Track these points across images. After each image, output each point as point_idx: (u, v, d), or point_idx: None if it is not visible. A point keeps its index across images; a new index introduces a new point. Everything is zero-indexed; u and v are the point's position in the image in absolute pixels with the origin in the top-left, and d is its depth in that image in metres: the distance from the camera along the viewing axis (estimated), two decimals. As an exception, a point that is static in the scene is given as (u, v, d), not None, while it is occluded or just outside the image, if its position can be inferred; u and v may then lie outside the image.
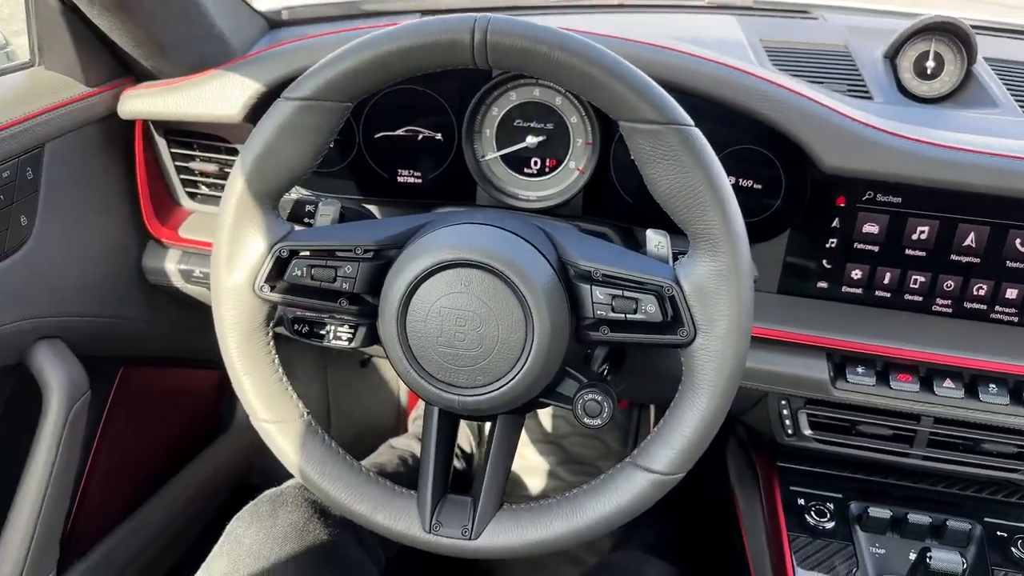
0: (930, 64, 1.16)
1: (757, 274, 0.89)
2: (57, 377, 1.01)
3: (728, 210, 0.72)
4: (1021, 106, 1.06)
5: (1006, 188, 0.88)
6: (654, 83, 0.71)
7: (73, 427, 1.04)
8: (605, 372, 0.99)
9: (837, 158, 0.89)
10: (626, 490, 0.78)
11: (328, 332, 0.98)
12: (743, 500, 1.13)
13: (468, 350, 0.75)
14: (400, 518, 0.83)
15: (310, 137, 0.77)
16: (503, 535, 0.81)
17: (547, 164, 1.03)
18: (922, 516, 0.98)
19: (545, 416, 2.14)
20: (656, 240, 0.81)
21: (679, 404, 0.76)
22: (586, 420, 0.80)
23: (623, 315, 0.76)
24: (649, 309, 0.75)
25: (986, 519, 1.00)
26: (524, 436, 2.09)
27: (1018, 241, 0.94)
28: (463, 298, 0.75)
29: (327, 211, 0.88)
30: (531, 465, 2.02)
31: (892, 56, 1.17)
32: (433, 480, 0.84)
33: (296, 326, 0.99)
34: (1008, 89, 1.09)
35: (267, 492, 1.05)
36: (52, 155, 0.99)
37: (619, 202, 1.03)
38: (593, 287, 0.77)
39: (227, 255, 0.80)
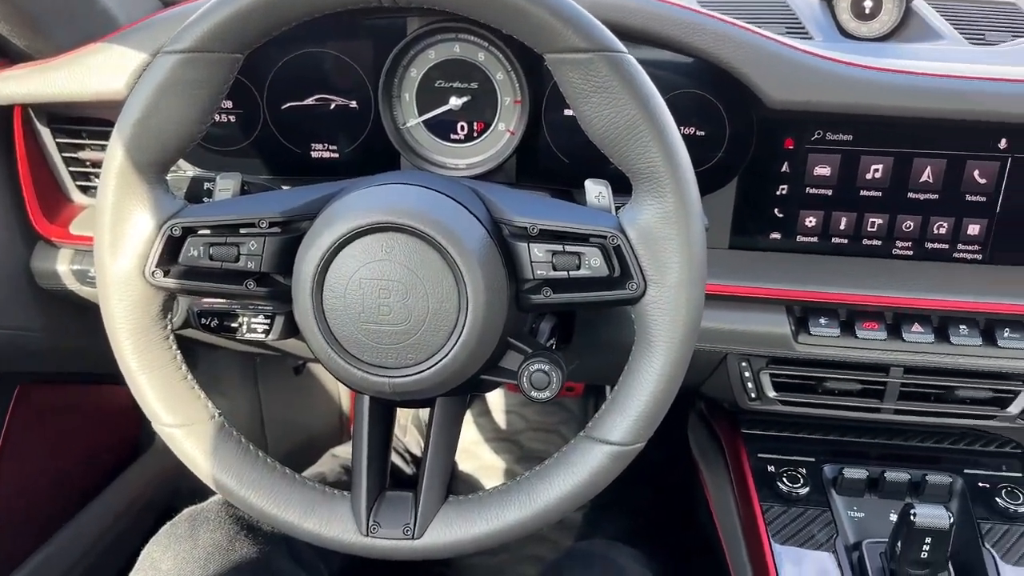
0: (868, 4, 1.11)
1: (708, 222, 0.82)
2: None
3: (670, 144, 0.64)
4: (966, 36, 1.02)
5: (962, 111, 0.82)
6: (579, 7, 0.63)
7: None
8: (552, 348, 0.91)
9: (782, 91, 0.82)
10: (582, 467, 0.70)
11: (241, 324, 0.88)
12: (709, 474, 1.06)
13: (394, 325, 0.67)
14: (333, 522, 0.73)
15: (195, 95, 0.68)
16: (450, 530, 0.72)
17: (475, 128, 0.94)
18: (900, 473, 0.92)
19: (498, 412, 2.05)
20: (596, 190, 0.73)
21: (633, 367, 0.69)
22: (533, 393, 0.72)
23: (566, 273, 0.68)
24: (594, 263, 0.67)
25: (966, 471, 0.94)
26: (478, 435, 2.01)
27: (976, 172, 0.89)
28: (385, 266, 0.66)
29: (227, 185, 0.78)
30: (486, 465, 1.93)
31: (829, -3, 1.12)
32: (368, 477, 0.74)
33: (204, 320, 0.89)
34: (950, 22, 1.04)
35: (185, 511, 0.95)
36: (-91, 146, 0.87)
37: (555, 164, 0.95)
38: (531, 244, 0.69)
39: (111, 238, 0.70)
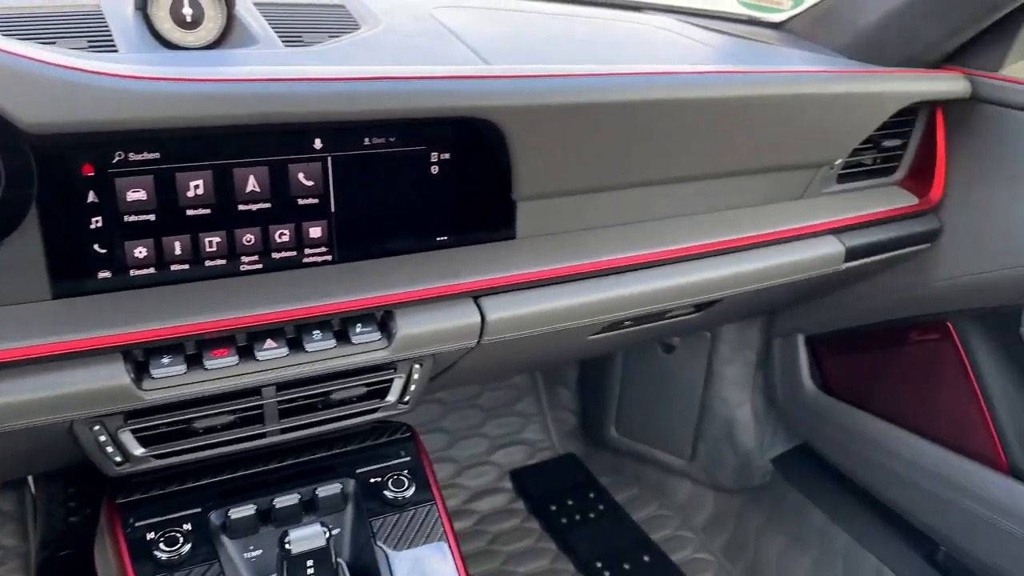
0: (188, 11, 1.05)
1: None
2: None
3: None
4: (284, 39, 1.01)
5: (264, 114, 0.79)
6: None
7: None
8: None
9: (35, 113, 0.70)
10: None
11: None
12: (100, 561, 0.91)
13: None
14: None
15: None
16: None
17: None
18: (290, 496, 0.88)
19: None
20: None
21: None
22: None
23: None
24: None
25: (359, 471, 0.94)
26: None
27: (301, 175, 0.87)
28: None
29: None
30: None
31: (143, 7, 1.03)
32: None
33: None
34: (271, 25, 1.03)
35: None
36: None
37: None
38: None
39: None
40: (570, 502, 1.94)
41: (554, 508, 1.92)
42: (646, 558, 1.78)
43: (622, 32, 1.26)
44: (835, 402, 1.65)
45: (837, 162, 1.26)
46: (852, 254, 1.25)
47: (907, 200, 1.33)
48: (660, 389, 1.94)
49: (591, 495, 1.98)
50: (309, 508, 0.89)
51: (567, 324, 1.02)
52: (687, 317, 1.29)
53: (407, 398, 0.97)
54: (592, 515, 1.91)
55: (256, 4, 1.10)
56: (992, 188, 1.27)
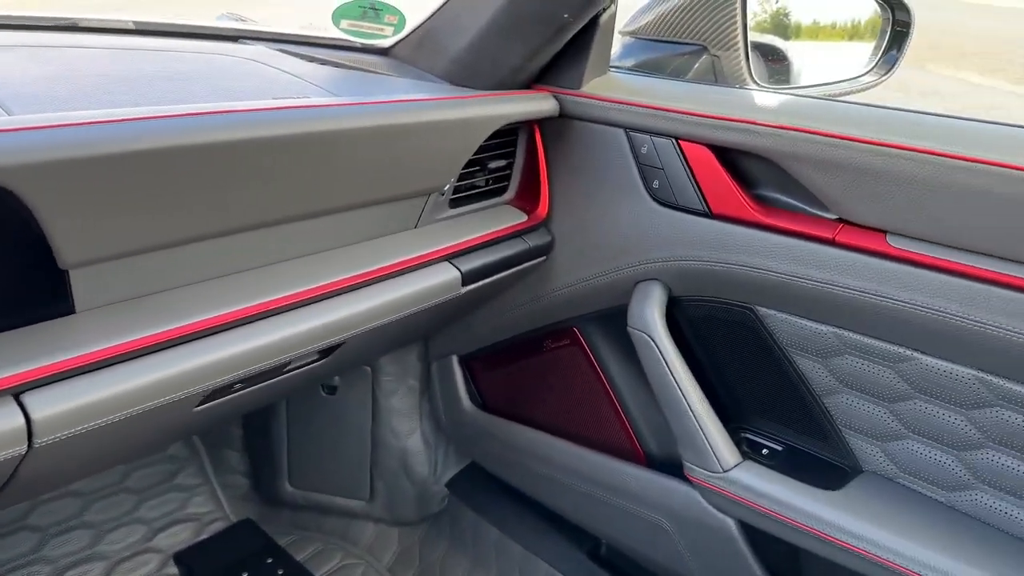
0: None
1: None
2: None
3: None
4: None
5: None
6: None
7: None
8: None
9: None
10: None
11: None
12: None
13: None
14: None
15: None
16: None
17: None
18: None
19: None
20: None
21: None
22: None
23: None
24: None
25: None
26: None
27: None
28: None
29: None
30: None
31: None
32: None
33: None
34: None
35: None
36: None
37: None
38: None
39: None
40: (245, 574, 1.78)
41: (228, 585, 1.74)
42: (331, 616, 1.67)
43: (199, 66, 1.15)
44: (492, 418, 1.67)
45: (445, 188, 1.25)
46: (469, 278, 1.25)
47: (517, 218, 1.36)
48: (329, 433, 1.84)
49: (269, 560, 1.83)
50: None
51: (149, 405, 0.89)
52: (316, 364, 1.21)
53: (-58, 530, 0.78)
54: (271, 583, 1.77)
55: None
56: (588, 198, 1.34)
